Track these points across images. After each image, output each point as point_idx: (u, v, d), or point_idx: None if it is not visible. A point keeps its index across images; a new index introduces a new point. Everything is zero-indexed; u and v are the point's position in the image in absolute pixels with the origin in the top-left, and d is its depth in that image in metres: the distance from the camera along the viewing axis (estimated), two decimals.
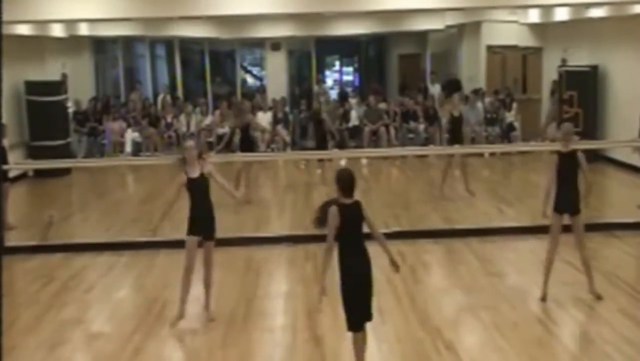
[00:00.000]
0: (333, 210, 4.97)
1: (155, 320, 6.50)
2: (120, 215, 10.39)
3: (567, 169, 6.57)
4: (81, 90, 16.48)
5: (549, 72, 15.68)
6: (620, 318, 6.35)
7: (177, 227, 9.36)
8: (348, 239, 5.04)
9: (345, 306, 5.06)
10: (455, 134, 11.05)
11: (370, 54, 23.49)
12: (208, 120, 16.26)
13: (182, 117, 16.36)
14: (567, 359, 5.57)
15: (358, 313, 5.05)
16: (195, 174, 6.28)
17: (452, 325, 6.28)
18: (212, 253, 6.47)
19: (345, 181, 5.05)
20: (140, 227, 9.82)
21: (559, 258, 8.00)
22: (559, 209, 6.64)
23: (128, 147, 15.60)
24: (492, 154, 14.57)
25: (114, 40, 18.23)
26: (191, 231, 6.33)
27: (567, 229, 8.91)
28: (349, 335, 6.06)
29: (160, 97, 17.71)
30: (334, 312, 6.61)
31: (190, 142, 6.48)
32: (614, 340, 5.90)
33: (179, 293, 6.35)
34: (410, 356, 5.65)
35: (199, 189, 6.29)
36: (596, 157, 13.32)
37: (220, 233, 8.99)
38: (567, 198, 6.59)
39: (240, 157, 12.18)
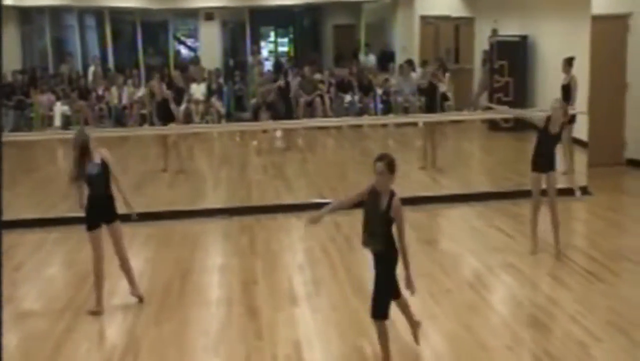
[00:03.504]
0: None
1: (87, 296, 6.36)
2: (49, 190, 10.12)
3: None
4: (6, 62, 15.87)
5: (481, 42, 15.87)
6: (549, 281, 6.56)
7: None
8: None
9: (386, 292, 4.85)
10: None
11: (305, 24, 23.34)
12: (140, 92, 15.93)
13: (114, 90, 15.99)
14: (497, 322, 5.71)
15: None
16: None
17: None
18: (120, 234, 6.17)
19: None
20: (70, 202, 9.58)
21: (489, 224, 8.23)
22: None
23: (57, 121, 15.17)
24: (425, 124, 14.72)
25: (40, 10, 17.62)
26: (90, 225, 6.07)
27: (500, 195, 9.18)
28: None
29: (90, 69, 17.24)
30: (270, 285, 6.64)
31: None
32: (541, 301, 6.09)
33: (95, 287, 6.11)
34: (345, 325, 5.70)
35: (95, 178, 6.01)
36: (525, 125, 13.62)
37: (154, 207, 8.94)
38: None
39: (176, 129, 12.02)
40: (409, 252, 4.80)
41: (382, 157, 4.76)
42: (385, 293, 4.83)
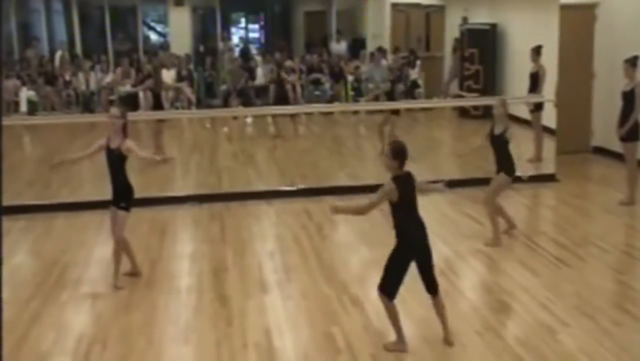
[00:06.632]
0: (390, 186, 4.81)
1: (54, 284, 6.29)
2: (15, 178, 9.94)
3: None
4: None
5: (451, 30, 15.92)
6: (517, 267, 6.61)
7: (76, 190, 9.13)
8: (408, 210, 5.00)
9: (395, 273, 4.97)
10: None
11: (276, 10, 23.22)
12: (109, 78, 15.72)
13: (81, 75, 15.77)
14: (467, 309, 5.75)
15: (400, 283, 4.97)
16: (113, 144, 6.03)
17: (358, 280, 6.37)
18: (119, 223, 6.23)
19: (404, 153, 4.89)
20: (37, 190, 9.47)
21: (460, 211, 8.28)
22: None
23: (23, 107, 14.93)
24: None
25: None
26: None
27: (470, 182, 9.23)
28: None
29: (58, 55, 16.97)
30: (240, 272, 6.61)
31: (114, 110, 6.17)
32: (511, 288, 6.14)
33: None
34: (316, 313, 5.70)
35: (110, 162, 6.08)
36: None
37: None
38: None
39: (145, 116, 11.93)
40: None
41: (390, 143, 5.07)
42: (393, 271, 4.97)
